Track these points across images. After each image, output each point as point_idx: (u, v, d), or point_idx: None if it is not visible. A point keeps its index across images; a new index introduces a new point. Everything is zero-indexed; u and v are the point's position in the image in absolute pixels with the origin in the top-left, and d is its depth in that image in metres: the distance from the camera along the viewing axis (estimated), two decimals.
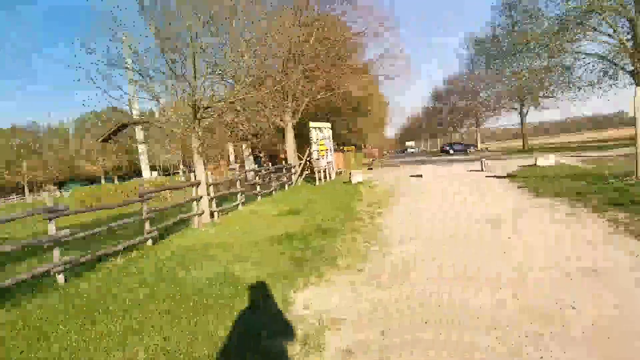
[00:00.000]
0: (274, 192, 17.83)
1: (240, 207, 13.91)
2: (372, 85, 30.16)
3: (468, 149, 52.31)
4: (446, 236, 7.10)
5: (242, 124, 24.74)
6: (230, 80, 12.99)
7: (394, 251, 6.54)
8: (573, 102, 23.00)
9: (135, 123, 22.31)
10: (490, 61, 25.41)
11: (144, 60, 10.06)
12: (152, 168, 41.76)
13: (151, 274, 6.33)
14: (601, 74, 20.54)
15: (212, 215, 11.80)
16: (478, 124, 54.70)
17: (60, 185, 64.46)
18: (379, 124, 54.12)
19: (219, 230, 9.89)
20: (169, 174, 51.84)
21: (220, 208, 12.88)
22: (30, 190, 67.78)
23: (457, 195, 11.85)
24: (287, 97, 22.79)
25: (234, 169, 36.35)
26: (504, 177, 15.14)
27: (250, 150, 30.49)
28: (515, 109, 40.14)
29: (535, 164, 17.33)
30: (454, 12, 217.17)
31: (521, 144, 43.31)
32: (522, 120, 38.99)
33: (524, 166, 18.28)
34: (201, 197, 11.24)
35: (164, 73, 10.25)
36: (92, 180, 61.34)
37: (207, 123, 11.73)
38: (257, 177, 16.53)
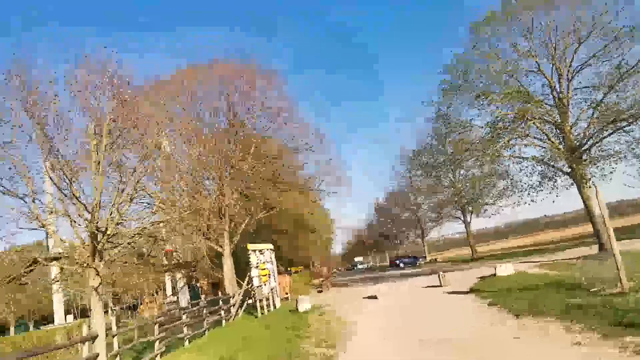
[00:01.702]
0: (207, 332, 14.84)
1: (158, 358, 10.91)
2: (315, 202, 29.30)
3: (417, 261, 51.54)
4: None
5: (166, 254, 22.16)
6: (145, 202, 11.07)
7: None
8: (517, 206, 23.26)
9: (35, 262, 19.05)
10: (429, 171, 25.81)
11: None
12: (68, 311, 36.29)
13: None
14: (540, 176, 21.07)
15: None
16: (424, 235, 54.97)
17: None
18: (325, 241, 52.85)
19: None
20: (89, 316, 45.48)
21: None
22: None
23: (426, 323, 9.90)
24: (224, 218, 20.95)
25: (172, 302, 32.31)
26: (468, 292, 13.59)
27: (185, 280, 27.26)
28: (458, 217, 40.79)
29: (494, 275, 16.08)
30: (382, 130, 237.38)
31: (468, 252, 43.32)
32: (467, 229, 39.39)
33: (482, 277, 16.97)
34: (97, 356, 8.41)
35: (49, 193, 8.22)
36: (2, 328, 52.34)
37: (113, 254, 9.41)
38: (184, 315, 13.68)
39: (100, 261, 8.90)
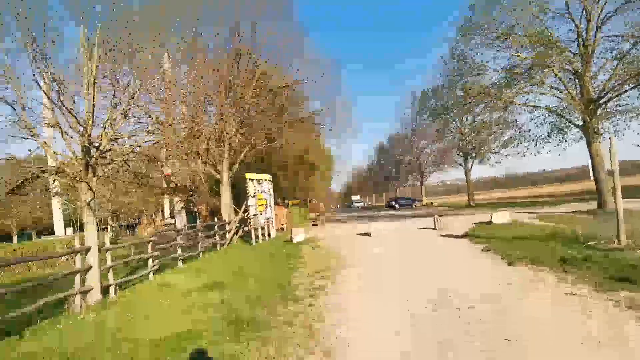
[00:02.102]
0: (201, 255, 15.11)
1: (151, 276, 11.11)
2: (317, 138, 28.84)
3: (413, 204, 52.07)
4: (420, 342, 4.99)
5: (165, 177, 22.13)
6: (143, 120, 10.64)
7: None
8: (523, 156, 22.80)
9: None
10: (438, 113, 24.97)
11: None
12: (69, 224, 37.09)
13: None
14: (550, 127, 20.41)
15: (105, 291, 8.98)
16: (423, 179, 55.01)
17: None
18: (325, 178, 52.89)
19: (105, 319, 7.14)
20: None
21: (122, 279, 10.08)
22: None
23: (415, 261, 9.91)
24: (224, 146, 20.64)
25: (170, 224, 33.03)
26: (462, 236, 13.60)
27: (183, 204, 27.51)
28: (460, 164, 40.47)
29: (490, 222, 16.06)
30: (397, 70, 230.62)
31: (465, 199, 43.54)
32: (466, 176, 39.19)
33: (478, 224, 16.99)
34: (90, 268, 8.48)
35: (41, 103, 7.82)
36: (7, 235, 53.96)
37: (107, 171, 9.19)
38: (178, 237, 13.80)
39: (93, 176, 8.71)
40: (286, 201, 49.23)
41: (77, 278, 8.09)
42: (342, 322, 5.69)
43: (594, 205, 19.80)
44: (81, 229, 42.56)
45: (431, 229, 17.08)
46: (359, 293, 7.20)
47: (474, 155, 37.24)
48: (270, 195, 20.38)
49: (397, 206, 51.87)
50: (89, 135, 8.46)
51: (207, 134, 19.91)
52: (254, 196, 18.30)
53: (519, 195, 58.73)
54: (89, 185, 8.47)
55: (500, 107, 19.62)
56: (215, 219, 19.55)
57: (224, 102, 20.01)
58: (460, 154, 39.14)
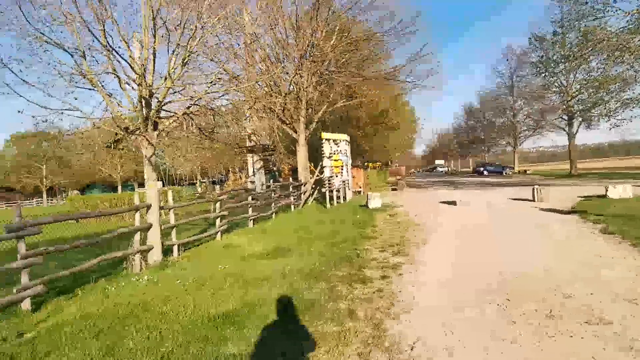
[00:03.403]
0: (273, 216, 14.64)
1: (218, 236, 10.72)
2: (399, 97, 26.77)
3: (504, 171, 47.89)
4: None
5: (248, 136, 21.91)
6: (209, 71, 9.84)
7: None
8: None
9: None
10: (546, 65, 21.34)
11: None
12: (159, 179, 39.36)
13: None
14: None
15: (167, 252, 8.64)
16: (516, 144, 49.96)
17: (83, 190, 63.53)
18: (406, 140, 50.39)
19: (159, 281, 6.67)
20: (182, 185, 49.53)
21: (189, 238, 9.76)
22: (54, 194, 67.13)
23: (513, 243, 8.20)
24: (301, 103, 19.71)
25: (253, 182, 33.53)
26: (569, 212, 11.40)
27: (261, 163, 27.51)
28: (562, 128, 35.60)
29: (605, 196, 13.45)
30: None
31: (563, 167, 38.78)
32: (570, 141, 34.39)
33: (587, 197, 14.39)
34: (151, 227, 8.11)
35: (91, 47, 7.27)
36: (114, 186, 59.82)
37: (167, 125, 8.63)
38: (249, 197, 13.32)
39: (153, 130, 8.19)
40: (365, 164, 47.97)
41: (137, 237, 7.74)
42: (423, 324, 4.47)
43: None
44: (171, 182, 45.16)
45: (528, 200, 14.84)
46: (443, 284, 5.86)
47: (581, 118, 32.45)
48: (347, 156, 19.24)
49: (485, 172, 48.13)
50: (150, 86, 7.87)
51: (284, 90, 19.08)
52: (329, 157, 17.29)
53: (627, 165, 51.28)
54: (148, 140, 7.96)
55: (630, 58, 15.86)
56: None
57: (303, 57, 18.89)
58: (565, 116, 34.32)
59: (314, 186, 19.69)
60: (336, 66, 20.01)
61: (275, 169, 30.61)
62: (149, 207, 8.16)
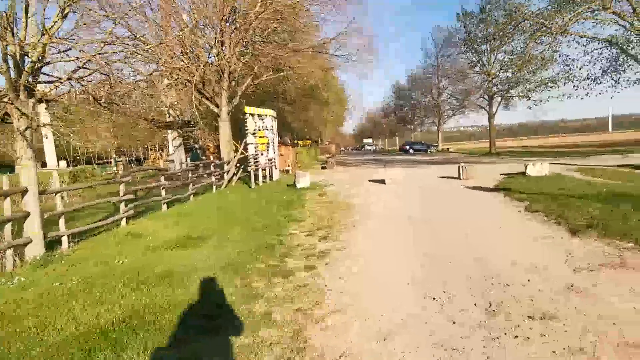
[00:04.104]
0: (192, 198, 13.34)
1: (123, 223, 9.31)
2: (330, 71, 26.00)
3: (429, 149, 49.53)
4: None
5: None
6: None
7: None
8: (567, 99, 19.83)
9: None
10: (468, 45, 21.57)
11: None
12: (65, 157, 35.53)
13: None
14: (609, 63, 17.21)
15: (54, 245, 7.18)
16: (440, 123, 51.79)
17: None
18: (337, 117, 50.23)
19: (33, 282, 5.34)
20: (99, 165, 45.23)
21: (86, 226, 8.28)
22: None
23: (446, 223, 7.85)
24: (223, 75, 18.18)
25: (172, 161, 31.22)
26: (493, 190, 11.45)
27: (181, 140, 25.49)
28: (483, 107, 37.21)
29: (524, 173, 13.82)
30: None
31: (482, 146, 40.81)
32: (490, 121, 36.07)
33: (509, 175, 14.75)
34: (28, 215, 6.62)
35: None
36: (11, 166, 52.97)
37: (49, 92, 7.05)
38: (162, 177, 11.91)
39: (29, 98, 6.61)
40: (295, 141, 47.07)
41: (7, 228, 6.24)
42: (354, 332, 3.74)
43: (637, 160, 17.32)
44: (76, 162, 40.89)
45: (454, 178, 14.93)
46: (376, 275, 5.21)
47: (500, 98, 34.00)
48: (273, 133, 18.18)
49: (411, 151, 49.39)
50: (22, 41, 6.28)
51: (203, 60, 17.41)
52: (254, 133, 16.14)
53: (539, 144, 55.54)
54: (19, 110, 6.38)
55: (550, 36, 16.25)
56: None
57: (224, 19, 17.29)
58: (486, 96, 35.81)
59: (238, 165, 18.46)
60: (262, 36, 18.66)
61: (197, 146, 28.67)
62: (24, 191, 6.64)
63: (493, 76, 30.90)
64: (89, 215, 10.90)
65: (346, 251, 6.19)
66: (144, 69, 14.79)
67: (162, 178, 11.85)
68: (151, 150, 48.47)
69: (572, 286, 4.18)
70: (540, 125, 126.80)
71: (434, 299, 4.14)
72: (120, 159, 49.19)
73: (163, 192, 11.69)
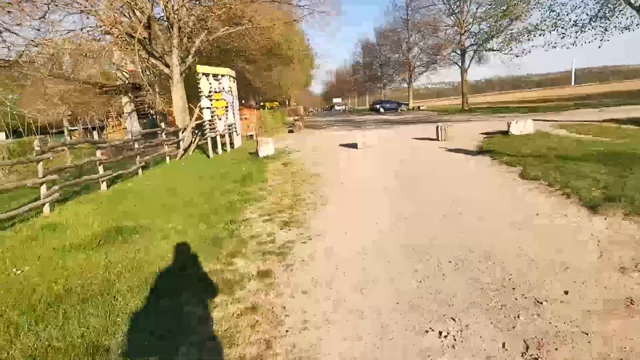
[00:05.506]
0: (140, 172, 11.70)
1: (46, 210, 7.68)
2: (293, 25, 23.89)
3: (399, 108, 48.37)
4: None
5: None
6: None
7: None
8: (552, 48, 18.65)
9: None
10: None
11: None
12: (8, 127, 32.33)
13: None
14: (598, 7, 15.91)
15: None
16: (411, 80, 50.33)
17: None
18: (304, 77, 47.95)
19: None
20: (45, 134, 41.70)
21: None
22: None
23: (430, 198, 6.63)
24: (172, 30, 16.03)
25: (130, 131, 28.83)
26: (477, 153, 10.33)
27: (132, 106, 23.21)
28: (456, 63, 35.93)
29: (507, 132, 12.77)
30: None
31: (454, 103, 39.89)
32: (462, 76, 34.84)
33: (489, 134, 13.69)
34: None
35: None
36: None
37: None
38: (98, 151, 10.17)
39: None
40: (261, 103, 44.82)
41: None
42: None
43: (614, 114, 16.62)
44: (17, 134, 37.52)
45: (431, 139, 13.78)
46: (353, 286, 3.97)
47: (472, 52, 32.73)
48: (232, 95, 16.36)
49: (382, 110, 48.11)
50: None
51: (147, 12, 15.15)
52: (209, 96, 14.33)
53: (507, 100, 55.27)
54: None
55: None
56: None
57: None
58: (458, 50, 34.41)
59: (196, 132, 16.70)
60: None
61: (152, 112, 26.37)
62: None
63: (467, 27, 29.42)
64: (26, 197, 9.21)
65: (311, 243, 4.90)
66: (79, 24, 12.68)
67: (97, 152, 10.11)
68: (110, 118, 45.24)
69: (631, 302, 3.01)
70: (503, 80, 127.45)
71: (440, 334, 2.90)
72: (75, 128, 45.68)
73: (101, 169, 10.00)
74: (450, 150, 11.12)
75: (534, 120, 13.56)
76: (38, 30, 12.78)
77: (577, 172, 6.60)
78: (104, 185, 9.89)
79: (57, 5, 8.11)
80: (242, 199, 7.41)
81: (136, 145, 12.03)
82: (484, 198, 6.14)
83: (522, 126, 12.59)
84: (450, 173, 8.33)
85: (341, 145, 14.65)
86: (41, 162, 7.85)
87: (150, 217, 6.64)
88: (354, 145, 13.72)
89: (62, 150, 18.75)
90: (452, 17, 32.15)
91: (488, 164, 8.85)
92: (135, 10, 15.07)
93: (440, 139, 13.28)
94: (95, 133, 29.35)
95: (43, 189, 7.80)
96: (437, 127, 13.59)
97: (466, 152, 10.55)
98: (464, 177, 7.78)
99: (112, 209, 7.54)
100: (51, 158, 8.64)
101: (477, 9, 30.01)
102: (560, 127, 13.74)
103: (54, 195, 8.05)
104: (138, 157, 11.91)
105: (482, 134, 14.08)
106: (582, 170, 6.64)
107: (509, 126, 12.79)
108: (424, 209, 5.88)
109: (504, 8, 16.96)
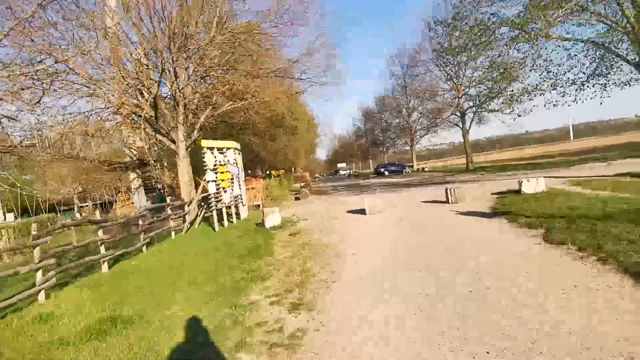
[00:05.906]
0: (144, 249, 11.35)
1: (41, 298, 7.23)
2: (296, 97, 24.61)
3: (404, 170, 48.57)
4: None
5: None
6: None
7: None
8: (554, 106, 18.69)
9: None
10: (446, 52, 20.36)
11: None
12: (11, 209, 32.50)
13: None
14: (596, 65, 16.19)
15: None
16: (413, 143, 51.05)
17: None
18: (308, 145, 48.84)
19: None
20: (54, 212, 41.90)
21: None
22: None
23: (456, 274, 6.15)
24: (178, 107, 16.40)
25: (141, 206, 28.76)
26: (493, 215, 9.90)
27: (140, 181, 23.35)
28: (456, 124, 36.52)
29: (519, 191, 12.41)
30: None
31: (457, 162, 40.02)
32: (465, 136, 35.24)
33: (501, 194, 13.32)
34: None
35: None
36: None
37: None
38: (100, 231, 9.87)
39: None
40: (268, 172, 45.23)
41: None
42: None
43: (622, 167, 16.29)
44: (27, 212, 37.71)
45: (440, 202, 13.41)
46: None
47: (472, 114, 33.35)
48: (238, 167, 16.36)
49: (386, 173, 48.27)
50: None
51: (154, 91, 15.57)
52: (214, 169, 14.30)
53: (511, 157, 55.56)
54: None
55: (533, 41, 15.09)
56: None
57: (175, 52, 15.64)
58: (457, 113, 35.13)
59: (202, 205, 16.49)
60: (219, 64, 17.06)
61: (160, 187, 26.47)
62: None
63: (464, 91, 30.21)
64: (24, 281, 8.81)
65: (324, 332, 4.39)
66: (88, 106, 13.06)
67: (100, 231, 9.81)
68: (120, 192, 45.63)
69: None
70: (504, 139, 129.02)
71: None
72: (86, 204, 45.91)
73: (102, 249, 9.65)
74: (462, 213, 10.71)
75: (545, 177, 13.26)
76: (39, 116, 13.17)
77: (608, 233, 6.14)
78: (105, 267, 9.49)
79: (66, 91, 8.33)
80: (248, 277, 6.94)
81: (140, 222, 11.77)
82: (509, 269, 5.63)
83: (534, 184, 12.25)
84: (466, 238, 7.85)
85: (349, 211, 14.32)
86: (38, 247, 7.53)
87: (150, 301, 6.19)
88: (362, 211, 13.38)
89: (69, 229, 18.52)
90: (448, 82, 33.21)
91: (506, 227, 8.39)
92: (143, 91, 15.53)
93: (450, 201, 12.91)
94: (97, 212, 29.27)
95: (39, 275, 7.41)
96: (446, 190, 13.29)
97: (480, 214, 10.13)
98: (482, 244, 7.26)
99: (111, 292, 7.10)
100: (49, 242, 8.28)
101: (473, 72, 30.99)
102: (574, 184, 13.37)
103: (51, 282, 7.63)
104: (142, 234, 11.62)
105: (493, 194, 13.72)
106: (612, 232, 6.17)
107: (520, 185, 12.46)
108: (448, 286, 5.35)
109: (501, 71, 17.33)
